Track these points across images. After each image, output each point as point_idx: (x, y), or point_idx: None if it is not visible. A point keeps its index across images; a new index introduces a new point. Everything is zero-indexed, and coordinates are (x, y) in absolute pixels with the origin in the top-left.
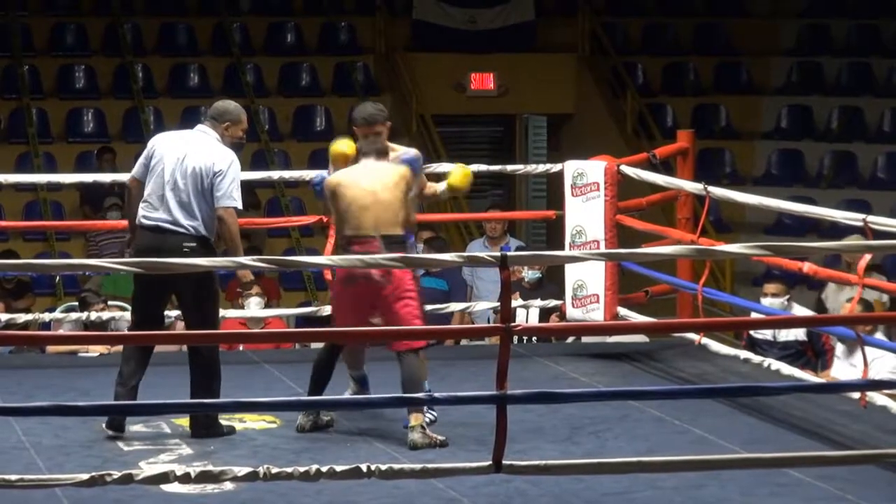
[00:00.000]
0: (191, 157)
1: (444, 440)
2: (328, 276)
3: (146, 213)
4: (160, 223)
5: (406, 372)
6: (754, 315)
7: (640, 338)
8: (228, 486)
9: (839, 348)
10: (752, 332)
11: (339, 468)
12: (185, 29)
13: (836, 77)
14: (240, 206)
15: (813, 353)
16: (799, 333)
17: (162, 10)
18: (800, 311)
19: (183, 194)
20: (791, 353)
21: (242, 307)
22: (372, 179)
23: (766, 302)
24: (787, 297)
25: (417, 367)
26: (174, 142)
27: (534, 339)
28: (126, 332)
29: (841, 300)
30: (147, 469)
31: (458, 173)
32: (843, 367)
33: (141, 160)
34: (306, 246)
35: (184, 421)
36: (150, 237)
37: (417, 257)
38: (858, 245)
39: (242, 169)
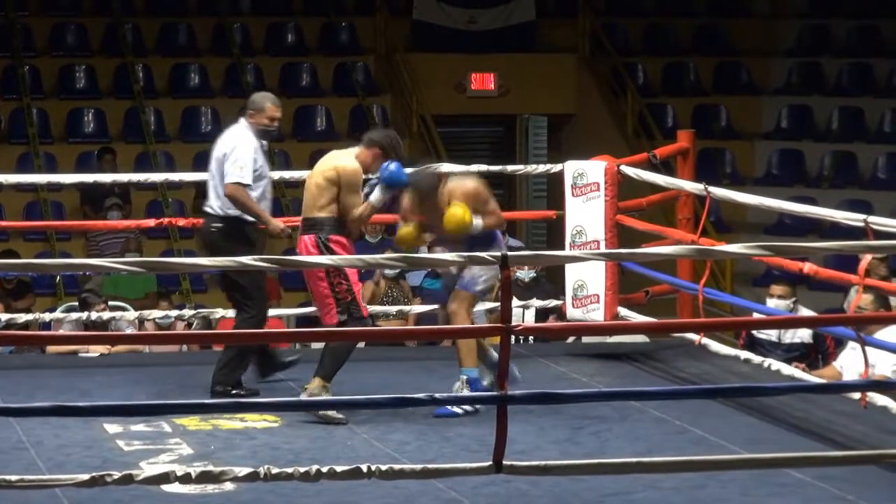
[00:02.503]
0: (218, 147)
1: (340, 418)
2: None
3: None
4: (205, 207)
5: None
6: (755, 315)
7: (641, 338)
8: (229, 486)
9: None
10: (755, 333)
11: (339, 468)
12: (185, 29)
13: (836, 77)
14: (244, 181)
15: (817, 355)
16: (804, 335)
17: (162, 10)
18: (806, 313)
19: (214, 180)
20: (796, 355)
21: None
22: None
23: (773, 303)
24: (793, 298)
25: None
26: (220, 137)
27: (531, 339)
28: (126, 332)
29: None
30: (147, 469)
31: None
32: (853, 355)
33: None
34: None
35: (187, 420)
36: (203, 221)
37: (419, 257)
38: (859, 245)
39: None
